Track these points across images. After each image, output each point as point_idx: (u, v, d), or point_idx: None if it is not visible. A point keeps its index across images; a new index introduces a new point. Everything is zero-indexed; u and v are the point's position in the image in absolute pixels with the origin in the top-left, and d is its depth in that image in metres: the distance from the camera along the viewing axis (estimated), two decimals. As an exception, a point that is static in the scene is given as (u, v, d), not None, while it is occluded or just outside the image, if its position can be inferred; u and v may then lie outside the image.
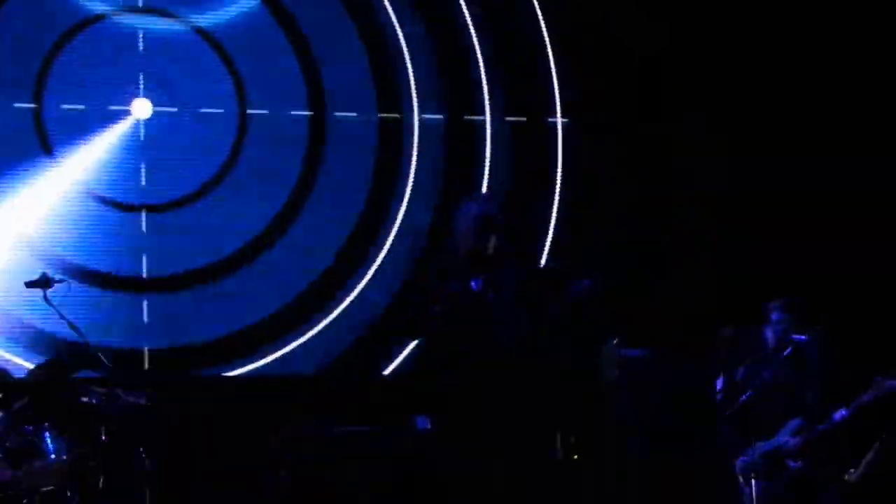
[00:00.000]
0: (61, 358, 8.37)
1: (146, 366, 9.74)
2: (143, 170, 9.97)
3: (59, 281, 8.22)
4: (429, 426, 7.44)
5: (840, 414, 8.35)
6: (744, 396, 8.51)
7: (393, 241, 10.24)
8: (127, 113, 9.93)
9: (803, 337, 8.53)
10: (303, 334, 10.02)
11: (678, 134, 10.47)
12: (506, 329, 7.26)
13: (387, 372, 10.01)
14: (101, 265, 9.78)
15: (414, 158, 10.34)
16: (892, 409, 8.38)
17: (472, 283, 7.37)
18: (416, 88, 10.39)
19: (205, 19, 10.12)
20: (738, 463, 8.59)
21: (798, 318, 8.62)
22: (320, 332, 10.03)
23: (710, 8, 10.46)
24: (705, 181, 10.39)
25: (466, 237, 7.36)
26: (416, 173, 10.34)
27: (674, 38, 10.50)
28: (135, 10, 10.00)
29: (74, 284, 8.58)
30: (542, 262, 10.15)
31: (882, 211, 10.16)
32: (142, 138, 9.96)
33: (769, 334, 8.71)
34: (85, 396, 7.95)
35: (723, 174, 10.36)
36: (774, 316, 8.67)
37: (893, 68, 10.38)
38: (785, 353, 8.55)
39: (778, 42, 10.46)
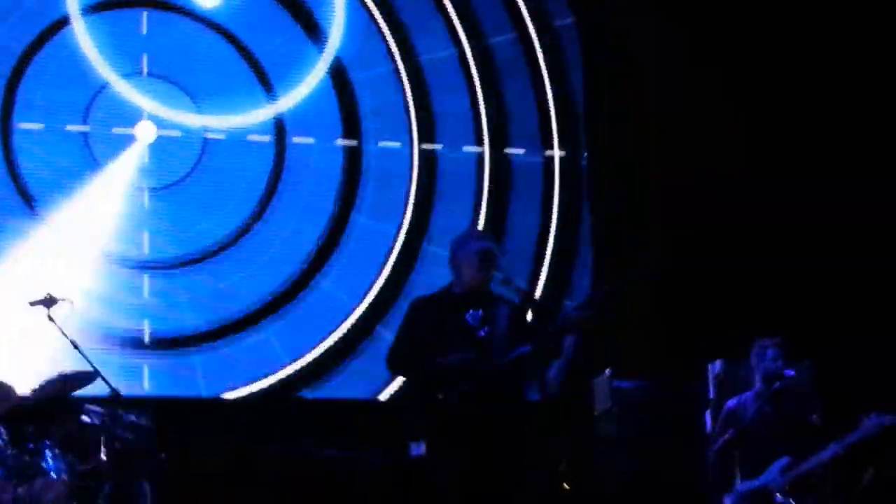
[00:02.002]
0: (64, 377, 8.44)
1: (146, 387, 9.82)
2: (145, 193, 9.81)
3: (62, 299, 8.29)
4: (423, 452, 7.52)
5: (829, 452, 8.34)
6: (731, 432, 8.54)
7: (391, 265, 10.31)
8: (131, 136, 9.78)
9: (791, 372, 8.56)
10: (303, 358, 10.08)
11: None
12: (497, 362, 7.37)
13: (382, 397, 10.01)
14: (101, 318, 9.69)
15: (413, 189, 10.42)
16: (879, 443, 8.41)
17: (468, 317, 7.50)
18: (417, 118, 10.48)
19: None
20: (725, 501, 8.57)
21: (786, 354, 8.62)
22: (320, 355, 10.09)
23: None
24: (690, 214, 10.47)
25: (468, 271, 7.47)
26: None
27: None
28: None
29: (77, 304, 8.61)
30: (537, 295, 10.24)
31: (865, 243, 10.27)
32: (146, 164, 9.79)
33: (757, 370, 8.69)
34: (87, 416, 8.03)
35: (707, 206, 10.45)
36: (762, 352, 8.66)
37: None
38: (773, 389, 8.57)
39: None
